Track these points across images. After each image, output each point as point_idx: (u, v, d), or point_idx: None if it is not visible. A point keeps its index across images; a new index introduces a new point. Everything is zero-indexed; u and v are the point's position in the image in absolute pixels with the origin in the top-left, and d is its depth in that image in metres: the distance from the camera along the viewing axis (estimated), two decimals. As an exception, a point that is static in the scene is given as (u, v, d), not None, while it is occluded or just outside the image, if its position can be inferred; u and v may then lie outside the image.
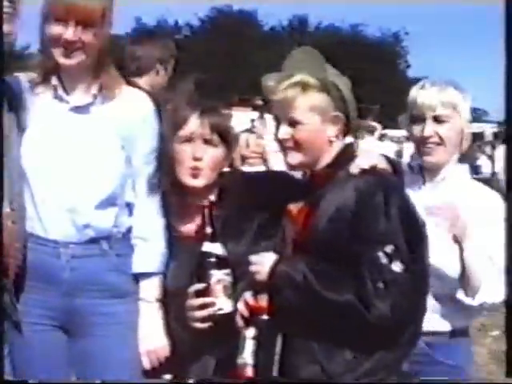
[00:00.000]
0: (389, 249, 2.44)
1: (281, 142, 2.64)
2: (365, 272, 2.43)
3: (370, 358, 2.46)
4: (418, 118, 3.09)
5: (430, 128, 3.05)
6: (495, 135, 17.89)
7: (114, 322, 2.86)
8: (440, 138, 3.06)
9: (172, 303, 2.86)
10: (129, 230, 2.91)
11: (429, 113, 3.06)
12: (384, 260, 2.43)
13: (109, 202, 2.85)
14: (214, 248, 2.73)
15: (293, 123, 2.61)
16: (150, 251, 2.89)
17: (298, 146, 2.61)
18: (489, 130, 18.96)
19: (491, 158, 17.03)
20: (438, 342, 2.99)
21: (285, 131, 2.62)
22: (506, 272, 2.88)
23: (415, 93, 3.12)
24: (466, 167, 3.33)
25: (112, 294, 2.87)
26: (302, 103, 2.60)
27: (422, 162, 3.12)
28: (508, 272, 2.84)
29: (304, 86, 2.60)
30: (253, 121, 13.31)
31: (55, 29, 2.74)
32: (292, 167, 2.71)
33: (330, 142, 2.64)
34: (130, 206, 2.92)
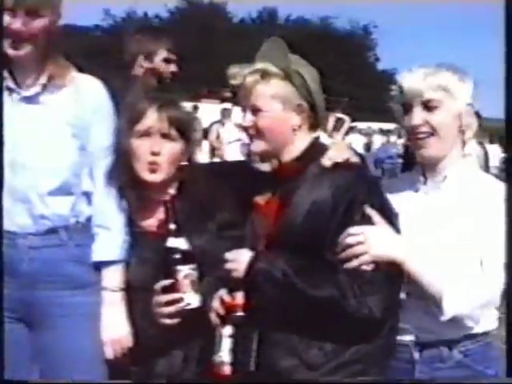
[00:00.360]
0: None
1: (246, 129, 2.66)
2: (342, 266, 2.44)
3: (349, 349, 2.47)
4: (407, 106, 2.74)
5: (418, 116, 2.69)
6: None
7: (74, 312, 2.82)
8: (431, 126, 2.69)
9: (137, 299, 2.82)
10: (89, 219, 2.88)
11: (416, 98, 2.70)
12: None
13: (64, 191, 2.81)
14: (179, 243, 2.70)
15: (255, 110, 2.62)
16: (110, 240, 2.85)
17: (260, 133, 2.62)
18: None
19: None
20: (474, 350, 2.67)
21: (248, 118, 2.63)
22: (506, 271, 2.59)
23: (401, 78, 2.78)
24: (473, 160, 2.93)
25: (72, 284, 2.83)
26: (263, 91, 2.60)
27: (417, 157, 2.77)
28: (508, 271, 2.58)
29: (263, 74, 2.60)
30: (224, 111, 13.29)
31: (4, 19, 2.70)
32: (256, 155, 2.72)
33: (294, 130, 2.63)
34: (88, 195, 2.89)
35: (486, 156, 14.12)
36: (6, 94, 2.82)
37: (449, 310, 2.50)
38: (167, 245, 2.70)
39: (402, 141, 15.74)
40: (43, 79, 2.81)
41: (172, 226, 2.72)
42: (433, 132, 2.69)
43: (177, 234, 2.71)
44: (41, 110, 2.82)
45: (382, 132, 25.57)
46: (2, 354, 2.72)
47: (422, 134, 2.69)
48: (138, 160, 2.80)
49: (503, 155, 15.72)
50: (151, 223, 2.89)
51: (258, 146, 2.64)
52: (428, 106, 2.69)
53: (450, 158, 2.73)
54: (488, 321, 2.68)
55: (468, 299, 2.53)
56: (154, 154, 2.78)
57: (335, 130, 9.96)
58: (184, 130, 2.84)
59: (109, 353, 2.84)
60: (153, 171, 2.79)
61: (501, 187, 2.66)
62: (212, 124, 13.21)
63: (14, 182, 2.78)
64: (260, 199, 2.69)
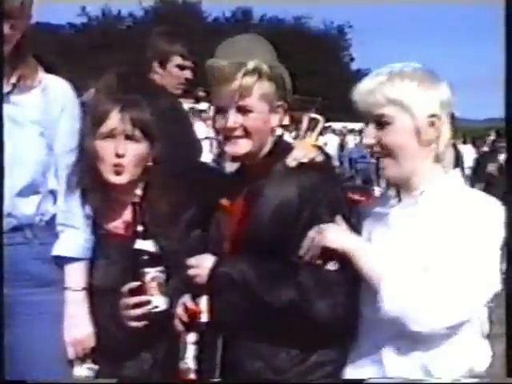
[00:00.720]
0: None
1: (230, 130, 2.57)
2: (304, 270, 2.43)
3: (316, 352, 2.47)
4: (365, 121, 2.50)
5: (370, 134, 2.44)
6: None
7: (38, 311, 2.81)
8: (382, 145, 2.43)
9: (105, 302, 2.81)
10: (54, 218, 2.88)
11: (368, 115, 2.45)
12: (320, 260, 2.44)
13: (31, 190, 2.81)
14: (147, 245, 2.69)
15: (244, 111, 2.55)
16: (72, 237, 2.85)
17: (248, 134, 2.56)
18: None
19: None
20: None
21: (235, 119, 2.55)
22: (505, 270, 2.43)
23: (354, 91, 2.49)
24: (456, 173, 2.55)
25: (36, 283, 2.82)
26: (255, 91, 2.55)
27: (383, 178, 2.54)
28: (508, 270, 2.45)
29: (260, 74, 2.54)
30: (191, 109, 13.22)
31: None
32: (236, 157, 2.65)
33: (273, 131, 2.62)
34: (54, 194, 2.89)
35: (459, 157, 14.25)
36: None
37: (386, 304, 2.29)
38: (135, 247, 2.69)
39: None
40: (13, 79, 2.81)
41: (139, 228, 2.72)
42: (386, 152, 2.42)
43: (144, 235, 2.70)
44: (11, 110, 2.80)
45: (357, 132, 25.66)
46: (2, 354, 2.71)
47: (377, 155, 2.46)
48: (103, 162, 2.79)
49: (475, 156, 15.86)
50: (118, 225, 2.88)
51: (244, 147, 2.58)
52: (380, 123, 2.42)
53: (424, 173, 2.43)
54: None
55: (406, 296, 2.28)
56: (118, 155, 2.77)
57: (309, 129, 10.01)
58: (148, 130, 2.83)
59: (71, 353, 2.83)
60: (118, 173, 2.79)
61: (485, 203, 2.38)
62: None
63: None
64: (225, 201, 2.67)
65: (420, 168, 2.43)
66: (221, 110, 2.59)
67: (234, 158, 2.68)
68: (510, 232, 2.36)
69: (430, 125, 2.40)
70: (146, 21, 53.81)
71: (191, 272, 2.56)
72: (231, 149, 2.60)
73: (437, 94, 2.40)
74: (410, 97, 2.37)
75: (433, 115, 2.40)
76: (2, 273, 2.73)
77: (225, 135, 2.59)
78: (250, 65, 2.52)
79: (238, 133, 2.56)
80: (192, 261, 2.57)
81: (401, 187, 2.49)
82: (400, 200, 2.50)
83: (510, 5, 2.62)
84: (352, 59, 62.68)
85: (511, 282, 2.44)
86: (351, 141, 24.95)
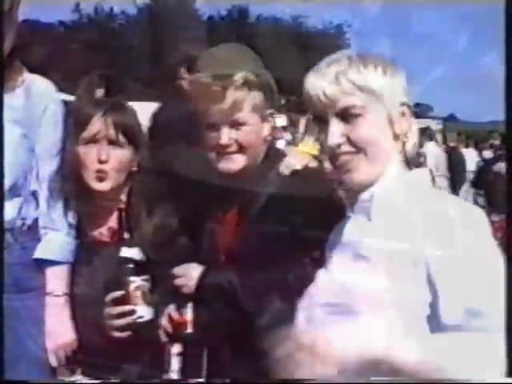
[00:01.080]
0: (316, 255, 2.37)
1: (222, 147, 2.49)
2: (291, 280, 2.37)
3: None
4: (320, 120, 2.11)
5: (335, 131, 2.06)
6: (439, 131, 18.08)
7: (19, 317, 2.79)
8: (352, 143, 2.06)
9: (87, 310, 2.78)
10: (36, 221, 2.86)
11: (329, 109, 2.07)
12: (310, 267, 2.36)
13: (12, 193, 2.80)
14: (132, 253, 2.66)
15: (237, 125, 2.48)
16: (55, 240, 2.83)
17: (242, 149, 2.50)
18: (434, 125, 19.04)
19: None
20: None
21: (228, 135, 2.48)
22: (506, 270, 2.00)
23: (306, 82, 2.12)
24: (425, 172, 2.26)
25: (17, 288, 2.80)
26: (247, 104, 2.49)
27: (345, 185, 2.12)
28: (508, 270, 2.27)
29: (249, 85, 2.48)
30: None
31: None
32: (230, 174, 2.53)
33: (265, 141, 2.58)
34: (36, 197, 2.87)
35: (460, 161, 14.22)
36: None
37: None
38: (120, 254, 2.66)
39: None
40: None
41: (125, 235, 2.69)
42: (357, 150, 2.06)
43: (130, 243, 2.68)
44: None
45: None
46: (2, 354, 2.65)
47: (345, 156, 2.06)
48: (85, 168, 2.75)
49: (478, 159, 15.81)
50: (103, 231, 2.84)
51: (239, 162, 2.51)
52: (346, 117, 2.06)
53: (390, 174, 2.09)
54: None
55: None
56: (101, 161, 2.73)
57: (307, 132, 9.98)
58: (132, 135, 2.79)
59: (52, 360, 2.81)
60: (101, 179, 2.75)
61: (457, 207, 1.98)
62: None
63: None
64: (221, 212, 2.61)
65: (388, 168, 2.09)
66: (212, 127, 2.50)
67: (228, 175, 2.56)
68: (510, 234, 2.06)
69: (402, 115, 2.10)
70: (138, 19, 53.90)
71: (178, 282, 2.53)
72: (226, 165, 2.51)
73: (401, 82, 2.12)
74: (379, 83, 2.06)
75: (403, 103, 2.11)
76: (2, 271, 2.69)
77: (217, 152, 2.51)
78: (239, 77, 2.45)
79: (233, 149, 2.50)
80: (178, 270, 2.54)
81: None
82: (352, 204, 2.14)
83: (510, 5, 2.63)
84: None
85: (511, 282, 2.40)
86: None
